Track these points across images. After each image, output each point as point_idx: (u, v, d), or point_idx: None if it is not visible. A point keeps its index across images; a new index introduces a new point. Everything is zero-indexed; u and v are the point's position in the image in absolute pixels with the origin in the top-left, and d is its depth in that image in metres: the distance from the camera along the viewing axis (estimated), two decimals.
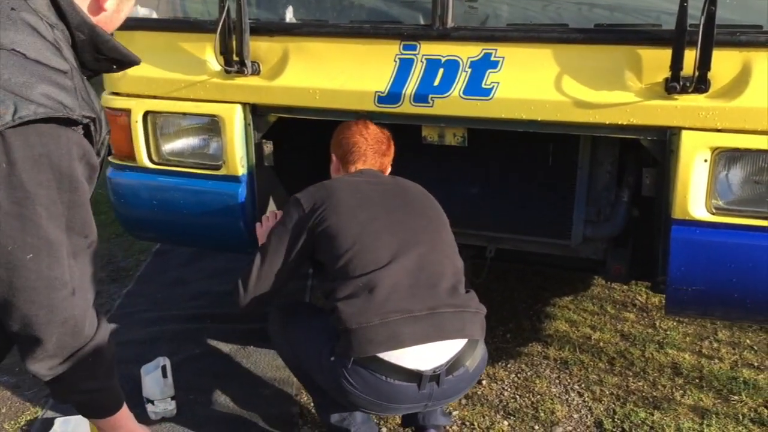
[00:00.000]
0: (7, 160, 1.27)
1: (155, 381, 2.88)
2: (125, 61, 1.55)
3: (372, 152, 2.56)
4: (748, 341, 3.48)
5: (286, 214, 2.42)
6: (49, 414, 2.92)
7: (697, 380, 3.17)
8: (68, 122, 1.34)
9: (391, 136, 2.61)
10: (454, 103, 2.42)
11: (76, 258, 1.43)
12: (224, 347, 3.42)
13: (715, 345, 3.46)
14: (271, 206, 3.02)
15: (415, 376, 2.17)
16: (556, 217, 2.82)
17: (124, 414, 1.77)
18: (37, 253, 1.35)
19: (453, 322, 2.23)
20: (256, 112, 2.73)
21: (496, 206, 2.92)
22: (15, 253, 1.33)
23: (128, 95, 2.81)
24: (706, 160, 2.22)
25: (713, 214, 2.27)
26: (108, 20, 1.51)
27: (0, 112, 1.24)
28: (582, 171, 2.76)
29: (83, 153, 1.39)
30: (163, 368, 2.92)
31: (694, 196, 2.25)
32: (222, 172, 2.78)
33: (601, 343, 3.47)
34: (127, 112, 2.80)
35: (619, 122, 2.29)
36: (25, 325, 1.41)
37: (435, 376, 2.19)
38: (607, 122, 2.30)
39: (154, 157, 2.86)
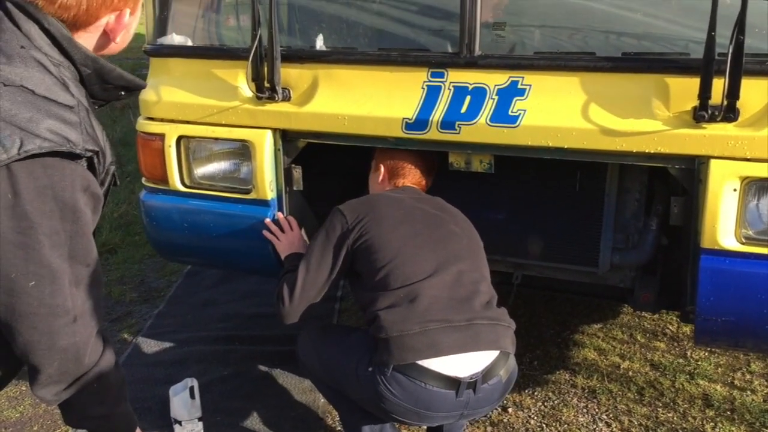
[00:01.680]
0: (13, 192, 1.33)
1: (183, 402, 2.91)
2: (132, 87, 1.61)
3: (421, 170, 2.69)
4: None
5: (329, 226, 2.48)
6: None
7: (728, 412, 3.11)
8: (72, 156, 1.39)
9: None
10: (480, 130, 2.44)
11: (78, 286, 1.47)
12: (252, 369, 3.45)
13: (748, 377, 3.39)
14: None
15: (454, 383, 2.23)
16: (583, 244, 2.80)
17: None
18: (39, 281, 1.39)
19: (488, 334, 2.30)
20: (286, 138, 2.77)
21: (523, 233, 2.91)
22: (18, 281, 1.37)
23: (162, 120, 2.88)
24: (735, 190, 2.20)
25: (743, 243, 2.24)
26: (117, 46, 1.58)
27: (6, 146, 1.30)
28: (609, 198, 2.75)
29: (87, 185, 1.44)
30: (191, 389, 2.95)
31: (724, 225, 2.23)
32: (252, 196, 2.82)
33: (631, 373, 3.42)
34: (161, 136, 2.86)
35: (647, 150, 2.28)
36: (28, 351, 1.45)
37: (472, 383, 2.25)
38: (635, 150, 2.30)
39: (186, 181, 2.92)
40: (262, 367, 3.46)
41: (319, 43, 2.70)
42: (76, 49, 1.47)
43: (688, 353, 3.59)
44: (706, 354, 3.57)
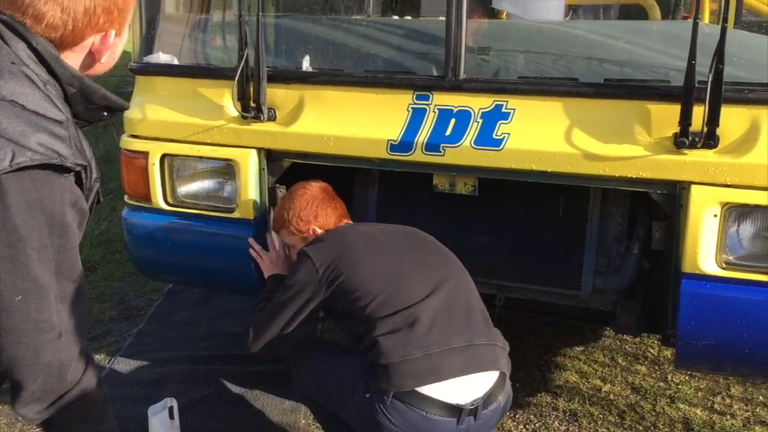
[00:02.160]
0: (3, 205, 1.33)
1: (162, 422, 2.87)
2: (115, 108, 1.62)
3: (339, 212, 2.62)
4: (761, 398, 3.42)
5: (297, 271, 2.42)
6: None
7: None
8: (62, 169, 1.40)
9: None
10: (465, 152, 2.46)
11: (63, 302, 1.46)
12: (232, 389, 3.41)
13: (728, 401, 3.40)
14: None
15: (455, 411, 2.20)
16: (566, 267, 2.82)
17: None
18: (26, 296, 1.39)
19: (488, 355, 2.30)
20: (270, 157, 2.77)
21: (506, 255, 2.93)
22: (4, 295, 1.37)
23: (147, 138, 2.88)
24: (715, 215, 2.23)
25: (723, 268, 2.27)
26: (103, 67, 1.59)
27: None
28: (592, 222, 2.77)
29: (75, 199, 1.45)
30: (171, 409, 2.92)
31: (704, 250, 2.25)
32: (235, 215, 2.82)
33: (612, 396, 3.43)
34: (145, 154, 2.86)
35: (629, 175, 2.31)
36: (12, 366, 1.43)
37: (473, 410, 2.22)
38: (617, 175, 2.33)
39: (169, 199, 2.91)
40: (243, 388, 3.42)
41: (306, 64, 2.71)
42: (63, 68, 1.48)
43: (669, 377, 3.61)
44: (687, 378, 3.59)
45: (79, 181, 1.48)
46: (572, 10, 4.26)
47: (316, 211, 2.56)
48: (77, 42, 1.51)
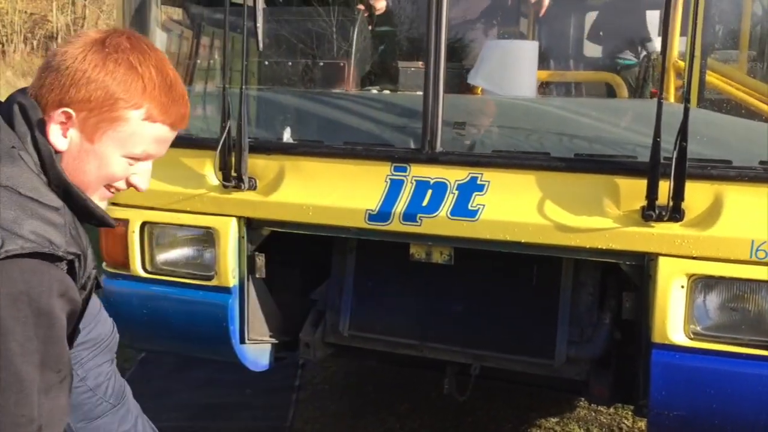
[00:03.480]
0: None
1: None
2: (101, 223, 1.53)
3: None
4: None
5: None
6: None
7: None
8: (53, 258, 1.35)
9: None
10: (441, 223, 2.52)
11: (47, 394, 1.40)
12: None
13: None
14: (260, 318, 3.05)
15: None
16: (540, 337, 2.85)
17: None
18: (5, 389, 1.32)
19: None
20: (250, 226, 2.82)
21: (481, 324, 2.96)
22: None
23: (126, 206, 2.91)
24: (683, 286, 2.30)
25: (692, 339, 2.32)
26: (74, 167, 1.45)
27: None
28: (565, 292, 2.83)
29: (65, 290, 1.39)
30: None
31: (673, 320, 2.31)
32: (213, 282, 2.83)
33: None
34: (125, 222, 2.88)
35: (599, 246, 2.38)
36: None
37: None
38: (588, 246, 2.40)
39: (147, 267, 2.92)
40: None
41: (286, 136, 2.79)
42: (54, 170, 1.41)
43: None
44: None
45: (71, 270, 1.42)
46: (544, 86, 4.43)
47: None
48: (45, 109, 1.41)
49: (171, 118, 1.47)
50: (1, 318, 1.30)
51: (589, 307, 2.85)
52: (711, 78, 3.53)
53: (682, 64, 3.54)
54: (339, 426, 3.78)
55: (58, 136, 1.41)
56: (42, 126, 1.40)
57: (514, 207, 2.48)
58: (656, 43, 4.71)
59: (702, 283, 2.30)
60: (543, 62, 4.93)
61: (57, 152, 1.42)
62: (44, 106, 1.41)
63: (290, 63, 3.63)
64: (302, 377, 4.29)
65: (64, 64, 1.39)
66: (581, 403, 4.00)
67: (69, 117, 1.39)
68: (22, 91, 1.46)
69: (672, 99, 3.46)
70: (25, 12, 21.10)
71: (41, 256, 1.33)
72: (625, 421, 3.87)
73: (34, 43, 21.32)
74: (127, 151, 1.44)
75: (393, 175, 2.61)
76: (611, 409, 3.96)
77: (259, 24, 2.70)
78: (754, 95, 3.35)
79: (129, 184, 1.52)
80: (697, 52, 2.93)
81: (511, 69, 3.25)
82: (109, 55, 1.39)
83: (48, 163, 1.40)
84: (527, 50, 3.44)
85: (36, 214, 1.35)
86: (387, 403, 4.03)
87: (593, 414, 3.94)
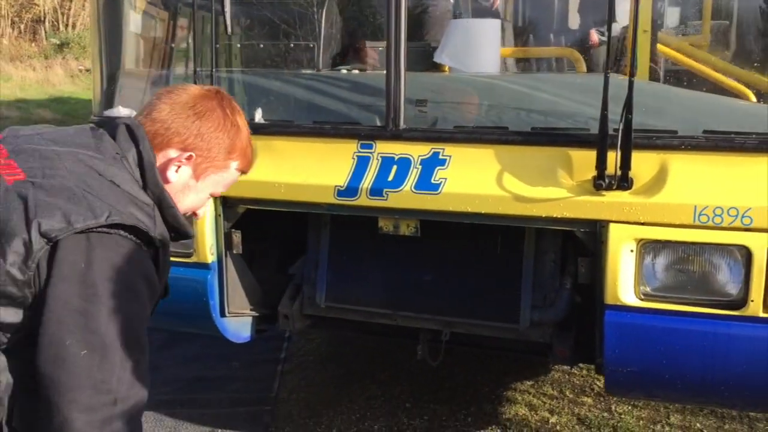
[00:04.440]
0: (87, 259, 1.39)
1: None
2: (181, 231, 1.66)
3: None
4: (698, 425, 3.61)
5: None
6: None
7: None
8: (145, 242, 1.49)
9: None
10: (406, 196, 2.65)
11: (125, 369, 1.43)
12: None
13: (667, 429, 3.58)
14: (240, 292, 3.18)
15: None
16: (505, 303, 2.99)
17: None
18: (91, 351, 1.38)
19: None
20: (226, 204, 2.94)
21: (449, 292, 3.10)
22: (70, 348, 1.36)
23: None
24: (632, 250, 2.43)
25: (642, 299, 2.46)
26: (173, 194, 1.63)
27: (97, 214, 1.41)
28: (528, 260, 2.96)
29: (149, 273, 1.51)
30: None
31: (624, 283, 2.45)
32: (193, 259, 2.96)
33: (558, 427, 3.58)
34: None
35: (555, 215, 2.51)
36: (61, 429, 1.37)
37: None
38: (544, 215, 2.53)
39: None
40: (205, 429, 3.52)
41: (258, 116, 2.90)
42: (153, 174, 1.57)
43: (613, 407, 3.77)
44: (630, 407, 3.76)
45: (156, 259, 1.54)
46: (524, 63, 4.53)
47: None
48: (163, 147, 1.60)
49: (249, 168, 1.75)
50: (97, 282, 1.40)
51: (551, 273, 2.98)
52: (664, 50, 3.63)
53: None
54: (322, 395, 3.94)
55: (173, 172, 1.62)
56: (146, 141, 1.58)
57: (475, 180, 2.60)
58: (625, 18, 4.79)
59: (650, 247, 2.43)
60: (521, 38, 5.04)
61: (165, 182, 1.62)
62: (160, 144, 1.61)
63: (261, 45, 3.72)
64: (287, 350, 4.44)
65: (190, 119, 1.62)
66: (556, 366, 4.16)
67: (190, 159, 1.61)
68: (128, 118, 1.64)
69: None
70: None
71: (136, 232, 1.46)
72: (597, 382, 4.02)
73: (22, 27, 21.25)
74: (215, 190, 1.71)
75: (360, 152, 2.73)
76: (584, 371, 4.13)
77: (227, 8, 2.80)
78: (708, 67, 3.46)
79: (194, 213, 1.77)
80: (647, 27, 3.05)
81: (476, 47, 3.36)
82: (226, 117, 1.64)
83: (148, 171, 1.56)
84: (490, 28, 3.54)
85: (134, 204, 1.50)
86: (368, 372, 4.18)
87: (567, 376, 4.10)
